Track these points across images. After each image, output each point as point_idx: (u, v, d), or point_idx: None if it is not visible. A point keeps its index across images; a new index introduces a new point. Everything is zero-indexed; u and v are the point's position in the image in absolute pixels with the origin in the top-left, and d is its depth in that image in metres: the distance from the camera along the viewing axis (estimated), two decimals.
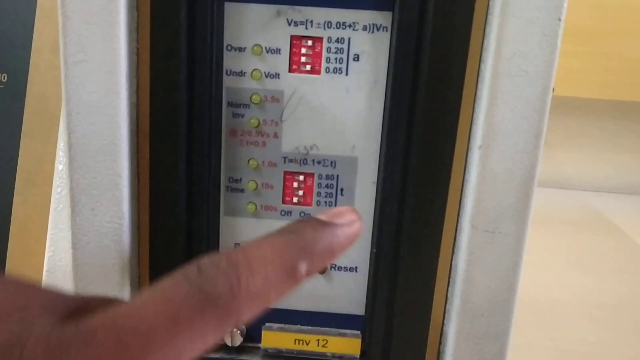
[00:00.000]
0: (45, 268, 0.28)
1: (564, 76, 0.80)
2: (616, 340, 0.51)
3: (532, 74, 0.22)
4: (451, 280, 0.25)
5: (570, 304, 0.57)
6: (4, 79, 0.30)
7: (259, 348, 0.26)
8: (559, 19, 0.21)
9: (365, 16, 0.23)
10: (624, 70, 0.82)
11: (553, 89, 0.74)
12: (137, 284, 0.25)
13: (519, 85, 0.22)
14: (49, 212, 0.29)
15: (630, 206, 0.88)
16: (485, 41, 0.22)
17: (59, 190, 0.28)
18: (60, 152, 0.28)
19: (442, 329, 0.25)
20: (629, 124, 0.92)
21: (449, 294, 0.25)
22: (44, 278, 0.28)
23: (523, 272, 0.59)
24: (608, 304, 0.58)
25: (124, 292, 0.25)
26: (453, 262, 0.24)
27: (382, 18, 0.23)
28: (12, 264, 0.29)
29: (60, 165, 0.29)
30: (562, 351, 0.49)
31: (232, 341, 0.26)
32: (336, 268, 0.26)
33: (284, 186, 0.25)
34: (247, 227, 0.26)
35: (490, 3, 0.22)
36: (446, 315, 0.25)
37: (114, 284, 0.25)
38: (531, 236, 0.65)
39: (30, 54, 0.29)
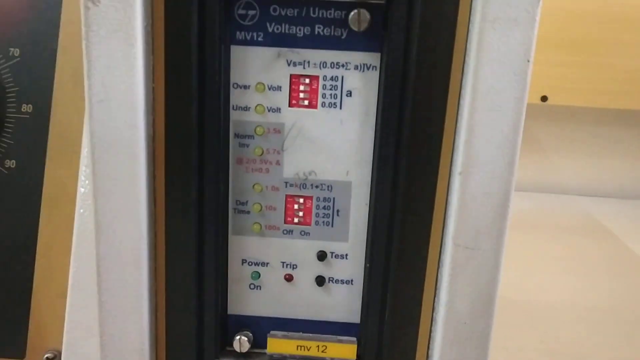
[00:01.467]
0: (70, 282, 0.31)
1: (558, 86, 0.83)
2: (604, 341, 0.54)
3: (504, 109, 0.24)
4: (437, 291, 0.27)
5: (561, 306, 0.60)
6: (29, 109, 0.32)
7: (264, 354, 0.29)
8: (528, 60, 0.24)
9: (357, 57, 0.26)
10: (615, 80, 0.85)
11: (546, 98, 0.76)
12: (154, 294, 0.28)
13: (494, 119, 0.25)
14: (72, 231, 0.32)
15: (623, 210, 0.91)
16: (464, 79, 0.25)
17: (81, 211, 0.31)
18: (82, 177, 0.31)
19: (430, 335, 0.28)
20: (621, 130, 0.95)
21: (435, 303, 0.28)
22: (69, 291, 0.31)
23: (516, 275, 0.62)
24: (598, 306, 0.60)
25: (143, 300, 0.27)
26: (438, 275, 0.27)
27: (372, 59, 0.26)
28: (39, 279, 0.32)
29: (82, 188, 0.31)
30: (551, 352, 0.51)
31: (240, 348, 0.29)
32: (334, 281, 0.29)
33: (286, 208, 0.28)
34: (252, 245, 0.28)
35: (468, 46, 0.24)
36: (433, 322, 0.28)
37: (134, 294, 0.27)
38: (525, 240, 0.68)
39: (53, 87, 0.32)
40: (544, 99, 0.86)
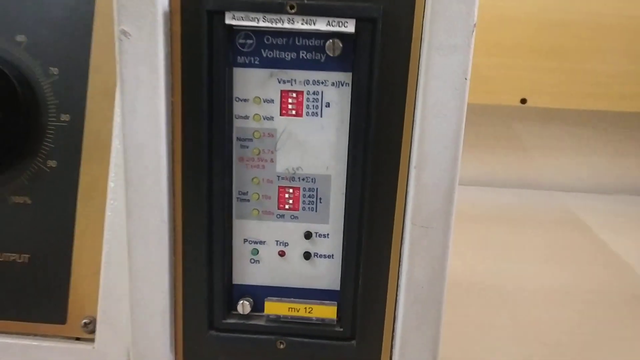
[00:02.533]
0: (103, 260, 0.37)
1: (536, 89, 0.90)
2: (569, 320, 0.60)
3: (448, 116, 0.31)
4: (400, 262, 0.34)
5: (532, 290, 0.66)
6: (67, 118, 0.39)
7: (262, 315, 0.36)
8: (465, 78, 0.30)
9: (333, 76, 0.32)
10: (589, 83, 0.91)
11: (526, 101, 0.83)
12: (174, 267, 0.35)
13: (440, 124, 0.31)
14: (103, 218, 0.38)
15: (599, 205, 0.97)
16: (416, 93, 0.31)
17: (111, 202, 0.38)
18: (112, 173, 0.38)
19: (395, 298, 0.35)
20: (596, 130, 1.01)
21: (399, 272, 0.34)
22: (102, 267, 0.37)
23: (494, 264, 0.69)
24: (566, 290, 0.67)
25: (164, 272, 0.34)
26: (401, 249, 0.34)
27: (345, 77, 0.32)
28: (77, 257, 0.38)
29: (112, 183, 0.38)
30: (520, 329, 0.58)
31: (243, 310, 0.35)
32: (318, 255, 0.35)
33: (279, 197, 0.34)
34: (252, 227, 0.35)
35: (419, 67, 0.31)
36: (398, 287, 0.34)
37: (157, 268, 0.34)
38: (505, 232, 0.75)
39: (86, 100, 0.39)
40: (523, 101, 0.93)
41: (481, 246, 0.78)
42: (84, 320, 0.38)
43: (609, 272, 0.71)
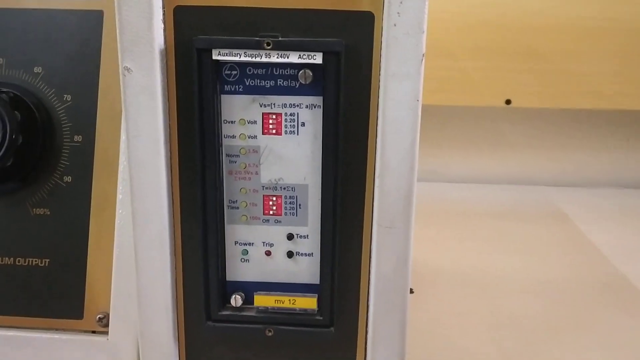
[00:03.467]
0: (114, 262, 0.43)
1: (520, 90, 0.94)
2: (543, 307, 0.65)
3: (404, 132, 0.36)
4: (370, 258, 0.39)
5: (511, 280, 0.71)
6: (80, 139, 0.44)
7: (252, 307, 0.41)
8: (417, 100, 0.36)
9: (307, 100, 0.37)
10: (570, 84, 0.95)
11: (510, 102, 0.89)
12: (174, 267, 0.40)
13: (398, 139, 0.36)
14: (114, 226, 0.44)
15: (582, 198, 1.01)
16: (377, 113, 0.36)
17: (120, 212, 0.43)
18: (120, 187, 0.43)
19: (367, 289, 0.40)
20: (579, 127, 1.05)
21: (369, 267, 0.39)
22: (113, 269, 0.43)
23: (476, 256, 0.75)
24: (542, 279, 0.72)
25: (167, 272, 0.39)
26: (370, 247, 0.39)
27: (317, 100, 0.37)
28: (91, 260, 0.43)
29: (120, 195, 0.43)
30: (496, 315, 0.63)
31: (235, 303, 0.41)
32: (299, 254, 0.40)
33: (264, 204, 0.40)
34: (241, 231, 0.40)
35: (379, 91, 0.36)
36: (369, 280, 0.39)
37: (161, 268, 0.39)
38: (490, 226, 0.81)
39: (96, 122, 0.44)
40: (508, 102, 0.98)
41: (466, 240, 0.83)
42: (99, 316, 0.43)
43: (585, 262, 0.76)
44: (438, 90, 0.96)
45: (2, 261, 0.44)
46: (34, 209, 0.44)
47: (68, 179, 0.44)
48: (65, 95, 0.44)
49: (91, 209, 0.44)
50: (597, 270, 0.75)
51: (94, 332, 0.44)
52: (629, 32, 0.95)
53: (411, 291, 0.65)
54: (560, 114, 1.04)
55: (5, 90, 0.43)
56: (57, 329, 0.44)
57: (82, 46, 0.44)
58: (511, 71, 0.96)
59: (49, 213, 0.44)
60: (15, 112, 0.42)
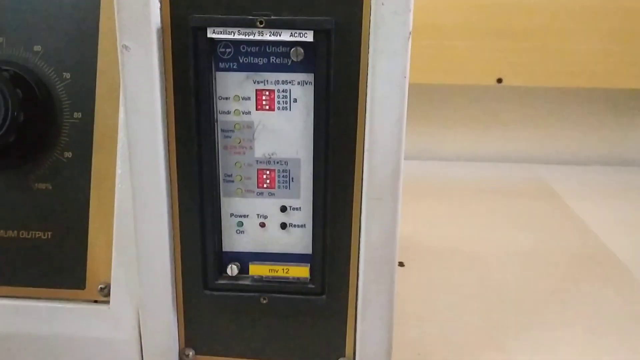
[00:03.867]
0: (114, 234, 0.44)
1: (511, 69, 0.96)
2: (529, 279, 0.67)
3: (392, 108, 0.37)
4: (360, 229, 0.41)
5: (499, 253, 0.73)
6: (79, 116, 0.45)
7: (248, 276, 0.43)
8: (404, 77, 0.37)
9: (298, 77, 0.39)
10: (560, 62, 0.96)
11: (502, 80, 0.91)
12: (173, 238, 0.42)
13: (386, 114, 0.38)
14: (113, 199, 0.45)
15: (573, 175, 1.03)
16: (367, 89, 0.38)
17: (119, 186, 0.44)
18: (119, 162, 0.45)
19: (357, 258, 0.42)
20: (570, 105, 1.07)
21: (359, 237, 0.41)
22: (114, 240, 0.44)
23: (467, 231, 0.77)
24: (529, 253, 0.74)
25: (165, 243, 0.41)
26: (360, 218, 0.41)
27: (308, 77, 0.39)
28: (92, 232, 0.45)
29: (119, 170, 0.45)
30: (483, 287, 0.65)
31: (232, 273, 0.42)
32: (292, 225, 0.42)
33: (258, 177, 0.41)
34: (237, 203, 0.42)
35: (368, 68, 0.38)
36: (359, 250, 0.41)
37: (160, 240, 0.41)
38: (481, 202, 0.84)
39: (95, 99, 0.45)
40: (499, 81, 0.99)
41: (456, 215, 0.85)
42: (100, 286, 0.45)
43: (571, 237, 0.78)
44: (430, 69, 0.97)
45: (6, 234, 0.46)
46: (36, 184, 0.46)
47: (68, 154, 0.45)
48: (65, 73, 0.45)
49: (91, 183, 0.45)
50: (583, 244, 0.77)
51: (95, 301, 0.45)
52: (619, 11, 0.96)
53: (401, 264, 0.67)
54: (550, 93, 1.05)
55: (6, 68, 0.44)
56: (60, 299, 0.46)
57: (80, 25, 0.45)
58: (502, 50, 0.97)
59: (50, 188, 0.46)
60: (17, 89, 0.43)
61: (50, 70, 0.45)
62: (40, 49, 0.45)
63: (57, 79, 0.45)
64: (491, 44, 0.97)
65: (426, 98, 1.06)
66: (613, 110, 1.08)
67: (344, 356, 0.44)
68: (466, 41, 0.97)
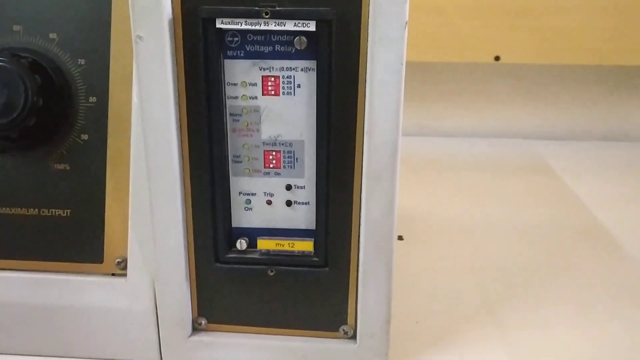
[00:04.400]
0: (130, 212, 0.47)
1: (508, 47, 0.97)
2: (523, 251, 0.70)
3: (390, 92, 0.40)
4: (360, 206, 0.44)
5: (494, 227, 0.76)
6: (94, 100, 0.48)
7: (256, 250, 0.46)
8: (401, 63, 0.39)
9: (302, 64, 0.41)
10: (556, 39, 0.98)
11: (499, 58, 0.93)
12: (185, 216, 0.45)
13: (384, 98, 0.40)
14: (128, 179, 0.48)
15: (569, 151, 1.05)
16: (366, 75, 0.40)
17: (134, 166, 0.47)
18: (133, 143, 0.47)
19: (358, 233, 0.44)
20: (567, 82, 1.09)
21: (360, 214, 0.44)
22: (130, 216, 0.47)
23: (463, 207, 0.80)
24: (523, 227, 0.76)
25: (179, 220, 0.44)
26: (360, 196, 0.43)
27: (311, 64, 0.41)
28: (109, 208, 0.47)
29: (133, 150, 0.47)
30: (479, 260, 0.68)
31: (241, 247, 0.45)
32: (297, 203, 0.45)
33: (264, 158, 0.44)
34: (245, 183, 0.44)
35: (367, 55, 0.40)
36: (360, 225, 0.44)
37: (173, 217, 0.44)
38: (478, 179, 0.87)
39: (109, 84, 0.48)
40: (497, 58, 1.01)
41: (454, 191, 0.88)
42: (117, 260, 0.48)
43: (565, 211, 0.81)
44: (429, 47, 0.99)
45: (28, 212, 0.49)
46: (55, 165, 0.48)
47: (85, 136, 0.48)
48: (80, 60, 0.48)
49: (107, 163, 0.48)
50: (577, 218, 0.80)
51: (113, 274, 0.48)
52: None
53: (400, 238, 0.70)
54: (548, 69, 1.07)
55: (24, 55, 0.47)
56: (80, 272, 0.49)
57: (93, 12, 0.47)
58: (500, 28, 0.99)
59: (68, 168, 0.48)
60: (36, 76, 0.45)
61: (65, 57, 0.48)
62: (55, 37, 0.48)
63: (72, 65, 0.48)
64: (489, 21, 0.98)
65: (425, 75, 1.08)
66: (610, 87, 1.10)
67: (346, 324, 0.47)
68: (464, 19, 0.99)
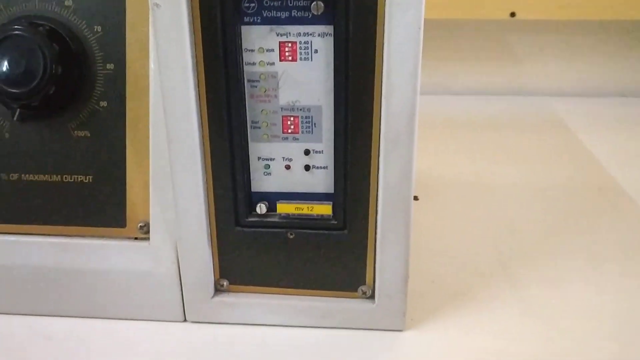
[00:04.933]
0: (150, 177, 0.48)
1: (525, 2, 0.96)
2: (538, 210, 0.71)
3: (408, 57, 0.40)
4: (378, 169, 0.44)
5: (508, 187, 0.76)
6: (112, 67, 0.48)
7: (276, 214, 0.46)
8: (419, 27, 0.39)
9: (319, 29, 0.41)
10: None
11: (515, 14, 0.92)
12: (206, 181, 0.45)
13: (402, 63, 0.40)
14: (148, 144, 0.48)
15: (584, 108, 1.05)
16: (384, 39, 0.40)
17: (153, 131, 0.48)
18: (151, 109, 0.47)
19: (376, 196, 0.45)
20: (582, 37, 1.07)
21: (378, 177, 0.44)
22: (150, 183, 0.48)
23: (477, 165, 0.80)
24: (538, 185, 0.77)
25: (199, 184, 0.45)
26: (378, 159, 0.44)
27: (328, 29, 0.41)
28: (130, 173, 0.47)
29: (152, 116, 0.48)
30: (493, 219, 0.69)
31: (260, 211, 0.46)
32: (315, 167, 0.45)
33: (283, 124, 0.44)
34: (264, 148, 0.45)
35: (385, 20, 0.40)
36: (378, 188, 0.45)
37: (194, 181, 0.45)
38: (493, 137, 0.87)
39: (126, 51, 0.48)
40: (512, 14, 0.99)
41: (469, 150, 0.88)
42: (140, 224, 0.49)
43: (581, 169, 0.81)
44: (443, 3, 0.97)
45: (51, 178, 0.50)
46: (75, 132, 0.49)
47: (104, 103, 0.48)
48: (96, 27, 0.48)
49: (126, 129, 0.48)
50: (592, 176, 0.80)
51: (136, 238, 0.49)
52: None
53: (416, 198, 0.71)
54: (564, 25, 1.06)
55: (41, 23, 0.47)
56: (104, 237, 0.50)
57: None
58: None
59: (89, 135, 0.49)
60: (53, 44, 0.46)
61: (81, 24, 0.48)
62: (71, 4, 0.48)
63: (88, 32, 0.48)
64: None
65: (439, 33, 1.06)
66: (626, 42, 1.08)
67: (364, 284, 0.48)
68: None
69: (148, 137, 0.48)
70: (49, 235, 0.50)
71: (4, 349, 0.48)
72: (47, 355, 0.47)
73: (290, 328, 0.49)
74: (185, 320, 0.50)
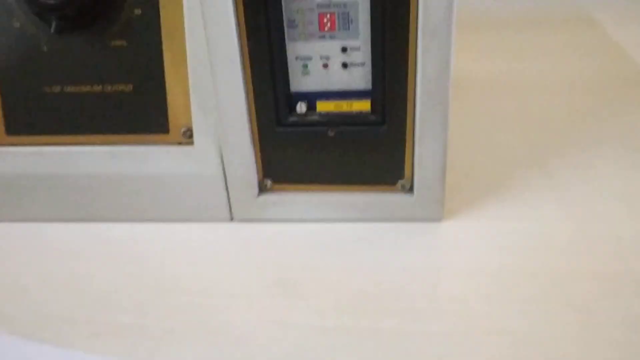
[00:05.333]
0: (190, 83, 0.49)
1: None
2: (567, 103, 0.71)
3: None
4: (416, 63, 0.44)
5: (537, 83, 0.76)
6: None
7: (316, 112, 0.48)
8: None
9: None
10: None
11: None
12: (245, 82, 0.46)
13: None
14: (184, 50, 0.48)
15: (615, 4, 1.02)
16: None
17: (189, 37, 0.48)
18: (186, 16, 0.48)
19: (414, 90, 0.46)
20: None
21: (416, 72, 0.45)
22: (190, 89, 0.49)
23: (505, 64, 0.80)
24: (567, 80, 0.76)
25: (239, 85, 0.46)
26: (416, 53, 0.44)
27: None
28: (169, 83, 0.49)
29: (187, 24, 0.48)
30: (523, 115, 0.69)
31: (300, 110, 0.47)
32: (353, 65, 0.46)
33: (319, 21, 0.44)
34: (301, 47, 0.45)
35: None
36: (415, 82, 0.45)
37: (234, 83, 0.46)
38: (520, 36, 0.86)
39: None
40: None
41: (498, 48, 0.87)
42: (183, 129, 0.50)
43: (610, 63, 0.80)
44: None
45: (92, 89, 0.51)
46: (112, 42, 0.50)
47: (138, 11, 0.49)
48: None
49: (162, 37, 0.49)
50: (623, 69, 0.79)
51: (180, 143, 0.51)
52: None
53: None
54: None
55: None
56: (148, 143, 0.51)
57: None
58: None
59: (125, 44, 0.50)
60: None
61: None
62: None
63: None
64: None
65: None
66: None
67: (404, 178, 0.49)
68: None
69: (184, 43, 0.48)
70: (96, 144, 0.52)
71: (66, 252, 0.51)
72: (107, 257, 0.50)
73: (332, 223, 0.51)
74: (232, 219, 0.53)
